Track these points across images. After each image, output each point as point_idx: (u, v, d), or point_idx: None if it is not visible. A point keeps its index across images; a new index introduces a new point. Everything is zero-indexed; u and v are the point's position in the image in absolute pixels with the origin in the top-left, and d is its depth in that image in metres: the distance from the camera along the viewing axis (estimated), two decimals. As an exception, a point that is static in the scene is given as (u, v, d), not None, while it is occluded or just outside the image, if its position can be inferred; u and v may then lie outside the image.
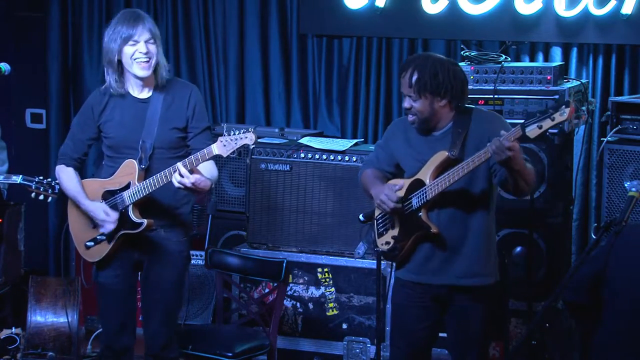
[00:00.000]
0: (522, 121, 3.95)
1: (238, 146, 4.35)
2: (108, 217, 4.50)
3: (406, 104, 4.21)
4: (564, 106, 3.87)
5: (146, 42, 4.46)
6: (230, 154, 4.36)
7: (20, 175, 4.82)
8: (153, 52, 4.48)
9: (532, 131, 3.91)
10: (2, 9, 6.96)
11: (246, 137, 4.34)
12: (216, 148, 4.35)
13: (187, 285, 5.86)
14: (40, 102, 6.98)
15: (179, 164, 4.36)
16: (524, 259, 5.38)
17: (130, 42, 4.44)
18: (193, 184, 4.37)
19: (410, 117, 4.23)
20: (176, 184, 4.37)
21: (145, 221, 4.48)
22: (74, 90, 6.93)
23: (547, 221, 5.40)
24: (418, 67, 4.17)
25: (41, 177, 4.79)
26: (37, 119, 7.01)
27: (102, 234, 4.54)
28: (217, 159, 4.45)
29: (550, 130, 3.98)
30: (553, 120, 3.87)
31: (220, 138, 4.35)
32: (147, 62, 4.47)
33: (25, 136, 7.01)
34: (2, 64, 4.94)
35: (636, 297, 3.81)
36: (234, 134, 4.34)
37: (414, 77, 4.16)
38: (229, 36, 6.64)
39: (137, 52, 4.45)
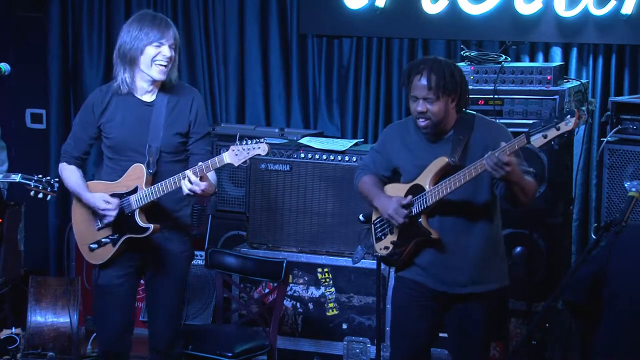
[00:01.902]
0: (526, 129, 3.94)
1: (250, 156, 4.34)
2: (109, 205, 4.48)
3: (420, 107, 4.13)
4: (569, 115, 3.84)
5: (170, 46, 4.46)
6: (242, 163, 4.36)
7: (19, 174, 4.82)
8: (173, 58, 4.49)
9: (537, 140, 3.88)
10: (2, 9, 6.97)
11: (259, 148, 4.33)
12: (227, 157, 4.34)
13: (187, 286, 5.86)
14: (40, 102, 6.98)
15: (189, 172, 4.36)
16: (524, 259, 5.37)
17: (156, 44, 4.43)
18: (203, 190, 4.37)
19: (423, 122, 4.16)
20: (186, 191, 4.37)
21: (152, 226, 4.47)
22: (74, 90, 6.93)
23: (547, 221, 5.40)
24: (434, 68, 4.12)
25: (40, 176, 4.79)
26: (37, 119, 7.01)
27: (107, 237, 4.52)
28: (227, 167, 4.44)
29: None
30: (558, 129, 3.85)
31: (232, 147, 4.34)
32: (166, 66, 4.47)
33: (25, 136, 7.01)
34: (2, 64, 4.94)
35: (636, 297, 3.81)
36: (247, 144, 4.33)
37: (434, 79, 4.10)
38: (229, 36, 6.65)
39: (160, 55, 4.44)
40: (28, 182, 4.78)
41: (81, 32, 6.88)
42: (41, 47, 6.91)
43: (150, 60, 4.45)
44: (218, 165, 4.38)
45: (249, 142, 4.34)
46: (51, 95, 6.91)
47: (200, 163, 4.38)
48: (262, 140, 4.34)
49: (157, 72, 4.47)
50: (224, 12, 6.64)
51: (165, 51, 4.45)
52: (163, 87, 4.55)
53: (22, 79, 6.84)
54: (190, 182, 4.34)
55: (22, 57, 6.82)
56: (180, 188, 4.41)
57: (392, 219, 4.22)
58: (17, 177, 4.82)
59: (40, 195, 4.80)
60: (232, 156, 4.34)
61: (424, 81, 4.12)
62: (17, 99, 7.03)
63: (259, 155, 4.35)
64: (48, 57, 6.89)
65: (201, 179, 4.37)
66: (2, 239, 5.79)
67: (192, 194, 4.38)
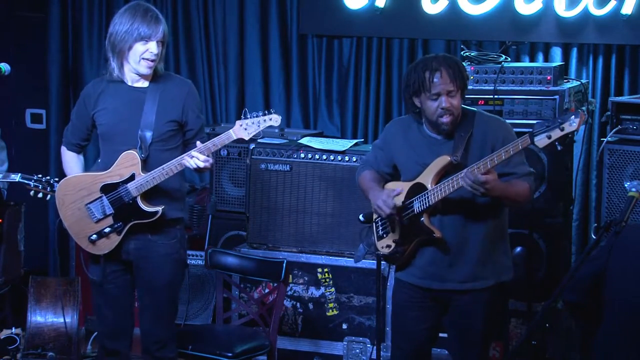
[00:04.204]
0: (526, 129, 3.95)
1: (261, 128, 4.34)
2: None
3: (445, 103, 4.10)
4: (573, 116, 3.84)
5: (157, 42, 4.47)
6: (254, 136, 4.35)
7: (19, 174, 4.83)
8: (161, 53, 4.51)
9: (541, 141, 3.88)
10: (3, 9, 6.97)
11: (270, 119, 4.33)
12: (235, 133, 4.35)
13: (187, 286, 5.85)
14: (40, 102, 6.98)
15: (195, 152, 4.37)
16: (524, 259, 5.37)
17: (144, 40, 4.45)
18: (210, 164, 4.41)
19: (447, 118, 4.13)
20: (192, 166, 4.38)
21: (160, 209, 4.46)
22: (74, 90, 6.93)
23: (547, 221, 5.40)
24: (450, 64, 4.13)
25: (40, 176, 4.80)
26: (37, 119, 7.01)
27: (109, 227, 4.49)
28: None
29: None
30: (562, 130, 3.84)
31: (239, 122, 4.34)
32: (154, 61, 4.49)
33: (25, 136, 7.02)
34: (2, 64, 4.95)
35: (636, 296, 3.81)
36: (255, 116, 4.32)
37: (451, 72, 4.11)
38: (229, 36, 6.65)
39: (148, 52, 4.46)
40: (28, 182, 4.79)
41: (81, 32, 6.89)
42: (41, 47, 6.91)
43: (137, 55, 4.47)
44: (226, 143, 4.39)
45: (258, 114, 4.33)
46: (51, 95, 6.91)
47: (207, 142, 4.39)
48: (272, 110, 4.32)
49: (144, 67, 4.49)
50: (224, 12, 6.64)
51: (153, 48, 4.46)
52: (154, 76, 4.56)
53: (22, 79, 6.84)
54: (198, 159, 4.36)
55: (22, 57, 6.83)
56: (177, 174, 4.45)
57: (379, 209, 4.22)
58: (17, 177, 4.83)
59: (40, 195, 4.81)
60: (240, 131, 4.34)
61: (445, 76, 4.11)
62: (17, 99, 7.04)
63: (272, 126, 4.34)
64: (48, 57, 6.89)
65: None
66: (2, 239, 5.79)
67: (200, 169, 4.41)
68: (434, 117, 4.15)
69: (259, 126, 4.33)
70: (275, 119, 4.33)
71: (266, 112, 4.36)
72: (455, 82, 4.11)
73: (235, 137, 4.37)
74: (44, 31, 6.89)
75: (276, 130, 6.07)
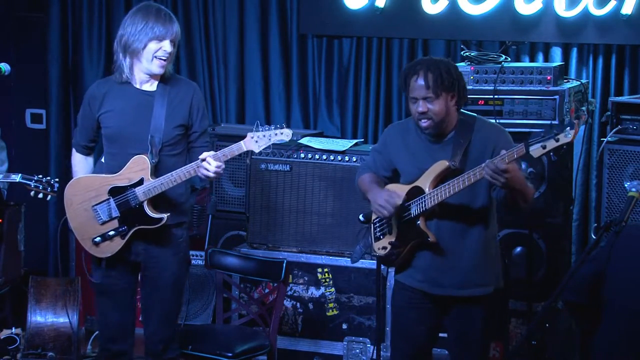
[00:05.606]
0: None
1: (272, 142, 4.36)
2: None
3: (421, 108, 4.11)
4: (568, 128, 3.86)
5: (171, 41, 4.49)
6: (264, 149, 4.37)
7: (19, 174, 4.83)
8: (173, 52, 4.52)
9: (536, 151, 3.90)
10: (3, 9, 6.96)
11: (282, 133, 4.34)
12: (246, 145, 4.36)
13: (187, 286, 5.85)
14: (40, 102, 6.98)
15: (209, 158, 4.36)
16: (524, 259, 5.37)
17: (159, 39, 4.46)
18: (219, 173, 4.41)
19: (425, 123, 4.14)
20: (202, 174, 4.38)
21: (165, 216, 4.46)
22: (74, 90, 6.93)
23: (547, 221, 5.40)
24: (430, 67, 4.12)
25: (40, 176, 4.80)
26: (37, 119, 7.01)
27: (114, 230, 4.49)
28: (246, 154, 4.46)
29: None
30: (557, 141, 3.86)
31: (250, 134, 4.35)
32: (166, 60, 4.50)
33: (25, 136, 7.01)
34: (2, 64, 4.95)
35: (636, 297, 3.81)
36: (267, 129, 4.33)
37: (430, 77, 4.10)
38: (229, 36, 6.65)
39: (161, 50, 4.47)
40: (28, 182, 4.79)
41: (81, 32, 6.89)
42: (41, 47, 6.91)
43: (151, 54, 4.47)
44: (236, 153, 4.40)
45: (270, 127, 4.34)
46: (51, 95, 6.91)
47: (219, 151, 4.39)
48: (283, 125, 4.34)
49: (157, 66, 4.50)
50: (224, 12, 6.64)
51: (167, 46, 4.48)
52: (162, 78, 4.57)
53: (22, 79, 6.84)
54: (208, 164, 4.35)
55: (22, 57, 6.82)
56: (185, 181, 4.44)
57: (381, 208, 4.21)
58: (17, 177, 4.83)
59: (40, 195, 4.81)
60: (251, 143, 4.35)
61: (421, 81, 4.11)
62: (17, 99, 7.03)
63: (283, 141, 4.36)
64: (48, 57, 6.89)
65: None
66: (2, 239, 5.80)
67: (205, 177, 4.40)
68: (414, 119, 4.19)
69: (269, 139, 4.35)
70: (286, 134, 4.34)
71: (278, 126, 4.37)
72: (433, 88, 4.09)
73: (245, 149, 4.39)
74: (44, 31, 6.89)
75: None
